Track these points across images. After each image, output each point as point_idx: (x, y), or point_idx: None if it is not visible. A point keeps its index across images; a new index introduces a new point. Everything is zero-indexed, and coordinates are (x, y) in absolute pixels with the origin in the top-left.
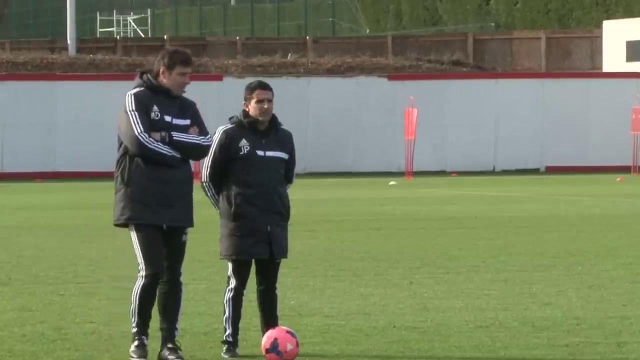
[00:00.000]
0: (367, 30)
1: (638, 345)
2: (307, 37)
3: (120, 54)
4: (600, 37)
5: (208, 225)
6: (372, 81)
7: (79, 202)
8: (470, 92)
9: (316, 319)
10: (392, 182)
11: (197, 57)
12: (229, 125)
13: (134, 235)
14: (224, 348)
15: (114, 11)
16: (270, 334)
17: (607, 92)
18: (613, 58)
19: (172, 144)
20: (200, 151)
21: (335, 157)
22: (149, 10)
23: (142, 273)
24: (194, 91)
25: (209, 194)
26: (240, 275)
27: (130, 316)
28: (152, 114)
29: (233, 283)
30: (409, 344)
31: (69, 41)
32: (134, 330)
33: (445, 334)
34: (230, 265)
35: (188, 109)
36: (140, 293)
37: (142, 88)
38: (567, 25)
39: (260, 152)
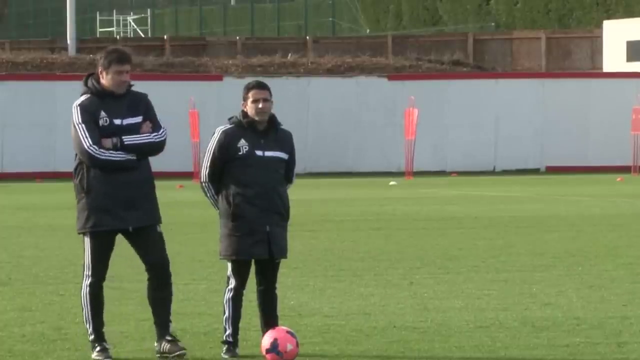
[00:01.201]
0: (367, 30)
1: (638, 345)
2: (307, 37)
3: None
4: (601, 37)
5: (208, 226)
6: (372, 81)
7: None
8: (470, 92)
9: (316, 319)
10: (392, 182)
11: (197, 57)
12: (228, 125)
13: (87, 242)
14: (224, 348)
15: (114, 11)
16: (271, 334)
17: (607, 92)
18: (613, 58)
19: (124, 148)
20: (155, 148)
21: (335, 157)
22: (149, 10)
23: (87, 273)
24: (194, 91)
25: (208, 195)
26: (240, 275)
27: (85, 324)
28: (101, 121)
29: (233, 283)
30: (409, 344)
31: (69, 41)
32: (92, 337)
33: (445, 334)
34: (229, 265)
35: (139, 105)
36: (89, 297)
37: (88, 95)
38: (567, 25)
39: (259, 152)
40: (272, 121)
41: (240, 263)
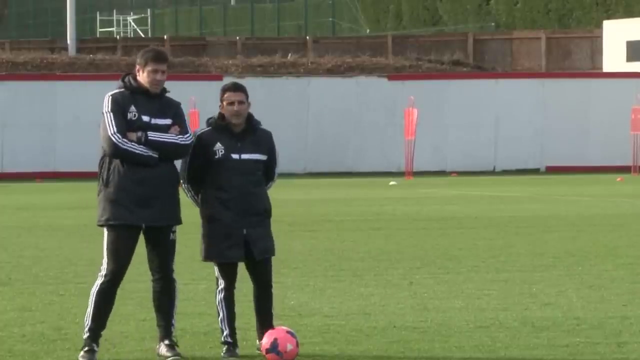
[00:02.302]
0: (367, 30)
1: (638, 345)
2: (307, 37)
3: (120, 54)
4: (600, 37)
5: None
6: (372, 81)
7: (79, 202)
8: (470, 92)
9: (316, 319)
10: (392, 182)
11: (197, 57)
12: (205, 129)
13: (105, 235)
14: (224, 349)
15: (114, 11)
16: (271, 334)
17: (607, 92)
18: (613, 58)
19: (148, 143)
20: (179, 150)
21: (335, 157)
22: (149, 10)
23: (102, 272)
24: (194, 91)
25: (188, 195)
26: (227, 275)
27: (85, 320)
28: (130, 115)
29: (222, 284)
30: (409, 344)
31: (69, 41)
32: (86, 335)
33: (445, 334)
34: (215, 266)
35: (169, 109)
36: (97, 294)
37: (122, 89)
38: (567, 25)
39: (235, 156)
40: (250, 122)
41: (225, 265)
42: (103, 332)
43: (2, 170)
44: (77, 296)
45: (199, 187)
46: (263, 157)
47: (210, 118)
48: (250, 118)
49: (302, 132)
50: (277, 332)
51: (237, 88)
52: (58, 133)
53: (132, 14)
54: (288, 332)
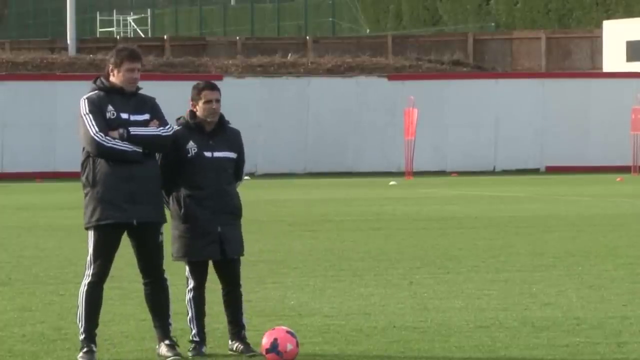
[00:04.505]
0: (367, 30)
1: (638, 345)
2: (307, 37)
3: None
4: (600, 37)
5: None
6: (372, 81)
7: (79, 202)
8: (470, 92)
9: (316, 319)
10: (392, 182)
11: (197, 57)
12: (176, 127)
13: (91, 236)
14: (191, 347)
15: (114, 11)
16: (271, 334)
17: (607, 92)
18: (613, 58)
19: (131, 139)
20: (161, 142)
21: (335, 157)
22: (149, 10)
23: (89, 272)
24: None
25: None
26: (197, 275)
27: (77, 322)
28: (108, 114)
29: (192, 283)
30: (409, 344)
31: (69, 41)
32: (82, 337)
33: (445, 334)
34: (187, 266)
35: (146, 105)
36: (85, 295)
37: (96, 91)
38: (567, 25)
39: (207, 154)
40: (221, 121)
41: (196, 264)
42: (101, 332)
43: (2, 170)
44: (77, 296)
45: (170, 187)
46: (234, 156)
47: (180, 117)
48: (221, 117)
49: (302, 132)
50: (277, 332)
51: (215, 87)
52: (58, 133)
53: (132, 14)
54: (288, 332)
